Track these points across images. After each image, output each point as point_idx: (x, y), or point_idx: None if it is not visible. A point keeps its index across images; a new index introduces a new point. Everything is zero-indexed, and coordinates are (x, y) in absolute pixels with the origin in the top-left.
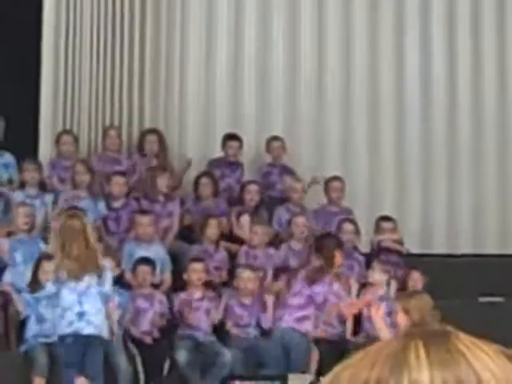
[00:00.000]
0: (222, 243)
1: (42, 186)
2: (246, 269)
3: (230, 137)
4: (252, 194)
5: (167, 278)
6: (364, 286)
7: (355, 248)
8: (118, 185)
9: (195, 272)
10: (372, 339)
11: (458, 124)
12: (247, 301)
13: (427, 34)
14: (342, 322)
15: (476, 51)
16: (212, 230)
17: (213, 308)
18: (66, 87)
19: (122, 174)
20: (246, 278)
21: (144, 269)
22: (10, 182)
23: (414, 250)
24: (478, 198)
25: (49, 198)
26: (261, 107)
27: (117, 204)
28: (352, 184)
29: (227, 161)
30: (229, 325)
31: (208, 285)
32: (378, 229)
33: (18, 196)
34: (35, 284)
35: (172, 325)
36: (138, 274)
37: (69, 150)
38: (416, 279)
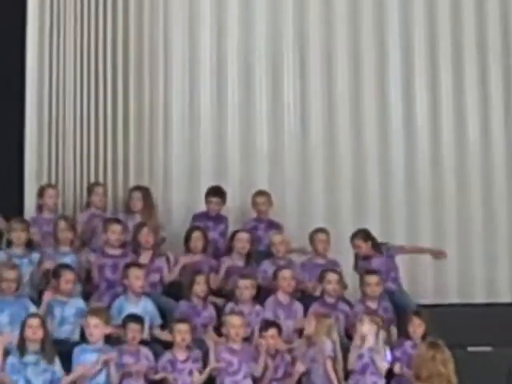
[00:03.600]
0: (210, 298)
1: (29, 243)
2: (233, 315)
3: (212, 192)
4: (243, 243)
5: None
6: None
7: (340, 298)
8: (114, 233)
9: (180, 333)
10: None
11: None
12: (236, 346)
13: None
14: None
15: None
16: (200, 286)
17: (195, 370)
18: (50, 143)
19: (119, 221)
20: (234, 324)
21: (133, 327)
22: None
23: None
24: (465, 246)
25: (35, 256)
26: (245, 160)
27: (114, 252)
28: (337, 236)
29: (209, 215)
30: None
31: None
32: (362, 282)
33: (3, 256)
34: (23, 345)
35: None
36: (127, 331)
37: (52, 203)
38: (417, 325)
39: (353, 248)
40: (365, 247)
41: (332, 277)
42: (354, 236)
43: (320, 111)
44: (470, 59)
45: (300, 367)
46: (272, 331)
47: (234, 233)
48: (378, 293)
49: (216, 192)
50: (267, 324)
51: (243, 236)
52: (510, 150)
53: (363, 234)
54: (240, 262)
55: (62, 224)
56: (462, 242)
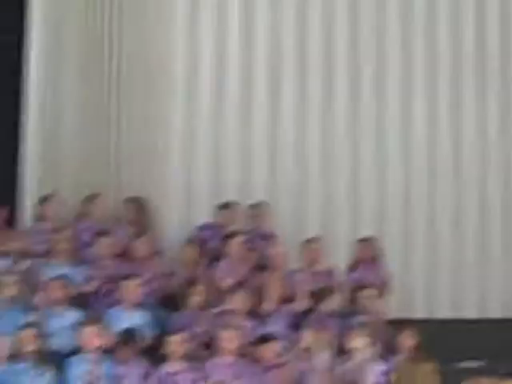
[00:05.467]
0: (205, 310)
1: (25, 253)
2: (225, 329)
3: (224, 206)
4: (238, 247)
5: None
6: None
7: (333, 312)
8: (107, 247)
9: (174, 345)
10: None
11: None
12: (229, 360)
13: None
14: None
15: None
16: (195, 298)
17: (191, 381)
18: (50, 154)
19: (108, 235)
20: (225, 337)
21: (128, 341)
22: None
23: (394, 315)
24: (457, 261)
25: (29, 264)
26: (242, 174)
27: (107, 263)
28: (332, 247)
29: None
30: None
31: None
32: (357, 296)
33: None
34: (17, 354)
35: None
36: (124, 345)
37: (50, 214)
38: (407, 338)
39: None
40: (365, 253)
41: (330, 296)
42: (361, 240)
43: (318, 121)
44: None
45: None
46: (269, 346)
47: (229, 236)
48: (373, 306)
49: (226, 205)
50: (265, 338)
51: (239, 239)
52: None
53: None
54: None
55: (60, 235)
56: (455, 257)
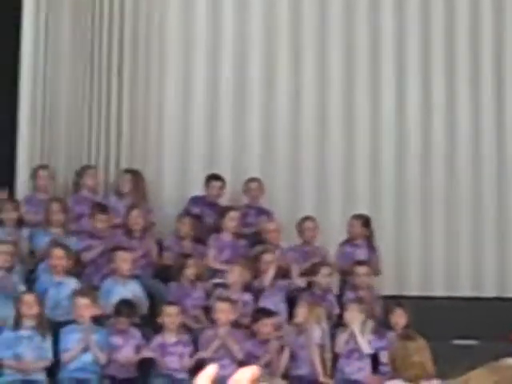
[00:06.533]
0: (199, 284)
1: (20, 221)
2: (220, 301)
3: (213, 177)
4: (235, 221)
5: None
6: (338, 325)
7: (329, 290)
8: (101, 222)
9: (169, 316)
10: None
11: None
12: (223, 332)
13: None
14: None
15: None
16: (190, 270)
17: (186, 353)
18: (44, 125)
19: (104, 210)
20: (221, 309)
21: (124, 311)
22: None
23: (389, 292)
24: (452, 239)
25: (25, 232)
26: (237, 148)
27: (102, 234)
28: (326, 225)
29: (207, 200)
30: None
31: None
32: (351, 272)
33: None
34: (18, 321)
35: (148, 362)
36: (119, 315)
37: (45, 184)
38: (399, 315)
39: (348, 226)
40: (358, 230)
41: (326, 270)
42: (355, 216)
43: (313, 100)
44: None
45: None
46: (266, 320)
47: (225, 211)
48: (367, 283)
49: (217, 177)
50: (262, 312)
51: (235, 214)
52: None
53: (364, 219)
54: (229, 240)
55: (55, 205)
56: (450, 236)
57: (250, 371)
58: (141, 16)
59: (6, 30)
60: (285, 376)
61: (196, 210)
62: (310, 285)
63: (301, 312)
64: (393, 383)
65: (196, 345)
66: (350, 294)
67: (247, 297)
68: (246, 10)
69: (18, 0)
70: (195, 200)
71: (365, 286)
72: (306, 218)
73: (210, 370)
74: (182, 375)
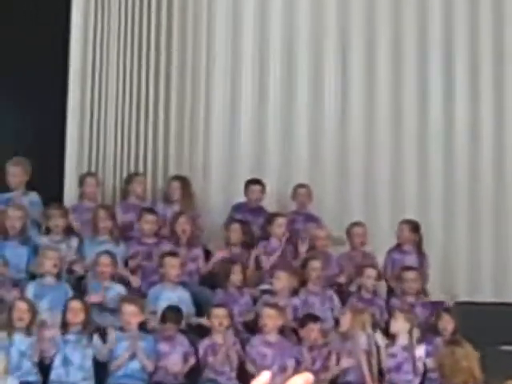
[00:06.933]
0: (245, 289)
1: (68, 229)
2: (268, 307)
3: (253, 181)
4: (282, 228)
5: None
6: (387, 334)
7: (376, 293)
8: (148, 223)
9: (217, 318)
10: None
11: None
12: (271, 339)
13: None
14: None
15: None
16: (236, 276)
17: (233, 353)
18: (92, 133)
19: (152, 212)
20: (269, 315)
21: (171, 317)
22: (37, 224)
23: (436, 298)
24: (500, 244)
25: (74, 241)
26: (285, 154)
27: (149, 240)
28: (374, 231)
29: (250, 206)
30: (250, 366)
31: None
32: (399, 278)
33: (43, 241)
34: (65, 327)
35: (196, 370)
36: (166, 321)
37: (92, 192)
38: (447, 321)
39: (397, 231)
40: (407, 235)
41: (371, 272)
42: (404, 221)
43: (361, 105)
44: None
45: (345, 362)
46: (313, 325)
47: (272, 217)
48: (415, 289)
49: (256, 181)
50: (308, 318)
51: (282, 221)
52: None
53: (414, 225)
54: (277, 246)
55: (102, 213)
56: (498, 240)
57: (304, 378)
58: (188, 27)
59: (56, 36)
60: (332, 383)
61: (239, 217)
62: (359, 289)
63: (345, 319)
64: None
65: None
66: (396, 302)
67: (296, 301)
68: (294, 10)
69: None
70: (237, 207)
71: (413, 292)
72: (356, 224)
73: (264, 377)
74: (231, 382)
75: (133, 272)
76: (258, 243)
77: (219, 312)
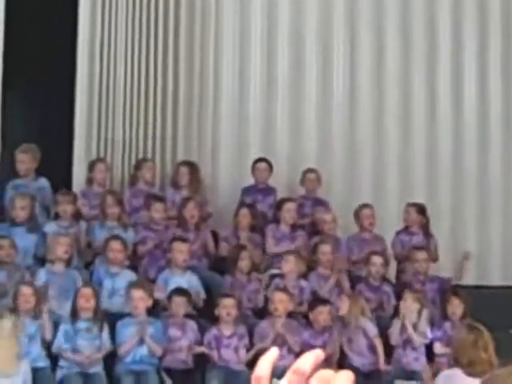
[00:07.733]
0: (254, 274)
1: (77, 215)
2: (278, 291)
3: (258, 160)
4: (291, 213)
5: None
6: (395, 315)
7: (384, 280)
8: (158, 212)
9: (226, 308)
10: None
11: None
12: (281, 322)
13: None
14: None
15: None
16: (244, 262)
17: (241, 346)
18: (100, 119)
19: (161, 199)
20: (280, 299)
21: (179, 300)
22: (47, 210)
23: None
24: (508, 228)
25: (82, 225)
26: (294, 139)
27: (157, 226)
28: (383, 214)
29: (259, 187)
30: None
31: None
32: (409, 258)
33: (52, 227)
34: (75, 314)
35: (205, 354)
36: (172, 304)
37: (101, 177)
38: (456, 305)
39: (404, 213)
40: (414, 217)
41: (377, 260)
42: (411, 204)
43: (369, 89)
44: None
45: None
46: (322, 308)
47: (282, 202)
48: (426, 269)
49: (262, 159)
50: (317, 301)
51: (291, 206)
52: None
53: (420, 207)
54: (286, 231)
55: (110, 199)
56: (507, 224)
57: (314, 355)
58: (197, 11)
59: (64, 26)
60: (340, 366)
61: (248, 200)
62: (367, 275)
63: (344, 304)
64: (452, 372)
65: (251, 337)
66: (404, 284)
67: (304, 283)
68: (302, 4)
69: None
70: (247, 190)
71: (423, 272)
72: (364, 206)
73: (272, 353)
74: (239, 367)
75: (141, 258)
76: (266, 225)
77: (228, 302)
